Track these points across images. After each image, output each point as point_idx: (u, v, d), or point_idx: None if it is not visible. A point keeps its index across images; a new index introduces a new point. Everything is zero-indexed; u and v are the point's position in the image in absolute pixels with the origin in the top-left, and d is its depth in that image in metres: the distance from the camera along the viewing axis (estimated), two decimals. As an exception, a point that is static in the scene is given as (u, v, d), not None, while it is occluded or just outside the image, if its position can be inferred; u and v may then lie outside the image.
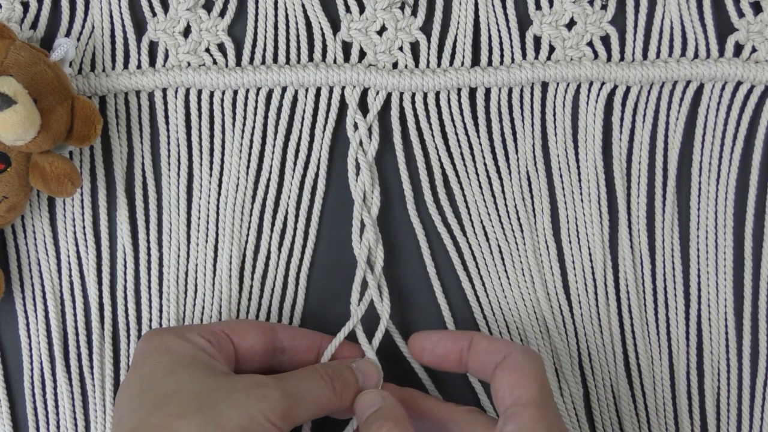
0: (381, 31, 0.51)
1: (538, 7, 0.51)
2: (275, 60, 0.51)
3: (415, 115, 0.51)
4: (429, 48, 0.51)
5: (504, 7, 0.51)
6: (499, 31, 0.51)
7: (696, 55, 0.52)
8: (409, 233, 0.52)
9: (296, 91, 0.51)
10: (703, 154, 0.52)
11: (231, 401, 0.40)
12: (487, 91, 0.51)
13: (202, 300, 0.51)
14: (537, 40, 0.51)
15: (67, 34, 0.51)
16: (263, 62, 0.51)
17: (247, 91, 0.51)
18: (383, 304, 0.50)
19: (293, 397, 0.42)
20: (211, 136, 0.51)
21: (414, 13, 0.51)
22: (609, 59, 0.51)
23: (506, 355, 0.44)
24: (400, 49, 0.51)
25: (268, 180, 0.51)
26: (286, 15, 0.51)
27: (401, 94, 0.51)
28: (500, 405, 0.44)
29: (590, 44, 0.51)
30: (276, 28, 0.51)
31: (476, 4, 0.51)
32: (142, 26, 0.51)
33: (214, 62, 0.51)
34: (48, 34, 0.51)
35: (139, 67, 0.51)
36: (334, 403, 0.44)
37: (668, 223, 0.52)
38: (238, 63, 0.51)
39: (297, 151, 0.51)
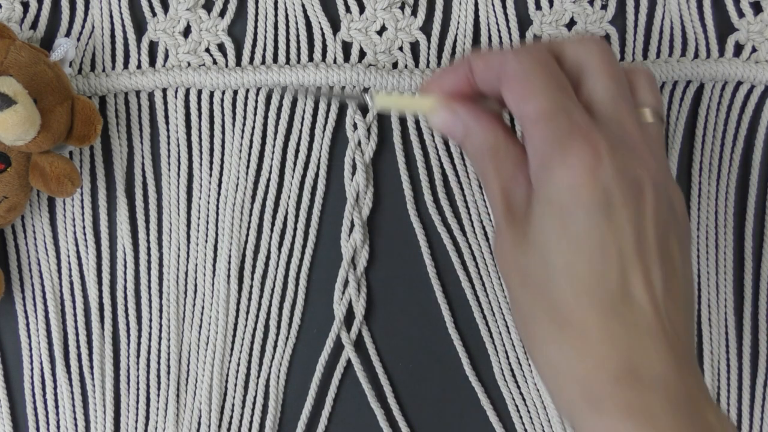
0: (381, 31, 0.51)
1: (538, 7, 0.51)
2: (275, 60, 0.51)
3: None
4: (429, 48, 0.51)
5: (504, 7, 0.51)
6: (499, 31, 0.51)
7: (696, 55, 0.52)
8: (409, 233, 0.52)
9: (296, 91, 0.51)
10: (703, 154, 0.52)
11: None
12: (487, 91, 0.51)
13: (202, 300, 0.51)
14: (537, 40, 0.51)
15: (67, 34, 0.51)
16: (263, 62, 0.51)
17: (247, 91, 0.51)
18: (359, 304, 0.51)
19: None
20: (211, 136, 0.51)
21: (414, 13, 0.51)
22: (609, 59, 0.51)
23: (502, 67, 0.39)
24: (400, 49, 0.51)
25: (268, 180, 0.51)
26: (286, 15, 0.51)
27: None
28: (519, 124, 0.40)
29: (590, 44, 0.51)
30: (276, 28, 0.51)
31: (476, 4, 0.51)
32: (142, 26, 0.51)
33: (214, 62, 0.51)
34: (48, 34, 0.51)
35: (139, 67, 0.51)
36: None
37: (668, 223, 0.52)
38: (238, 63, 0.51)
39: (297, 151, 0.51)
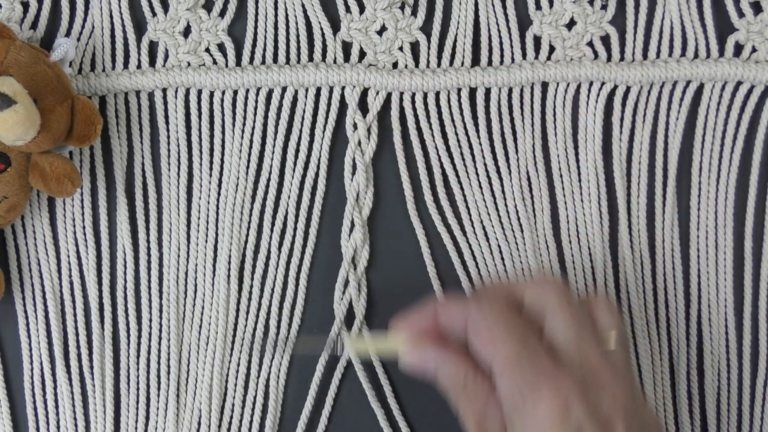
0: (381, 31, 0.51)
1: (538, 7, 0.51)
2: (275, 60, 0.51)
3: (415, 115, 0.51)
4: (429, 48, 0.51)
5: (504, 7, 0.51)
6: (499, 31, 0.51)
7: (696, 55, 0.52)
8: (409, 233, 0.52)
9: (296, 91, 0.51)
10: (703, 154, 0.52)
11: None
12: (487, 91, 0.51)
13: (202, 300, 0.51)
14: (537, 40, 0.51)
15: (67, 34, 0.51)
16: (263, 62, 0.51)
17: (247, 91, 0.51)
18: (359, 304, 0.51)
19: None
20: (211, 136, 0.51)
21: (414, 13, 0.51)
22: (609, 59, 0.51)
23: (466, 317, 0.41)
24: (400, 49, 0.51)
25: (268, 180, 0.51)
26: (286, 15, 0.51)
27: (401, 94, 0.51)
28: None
29: (590, 44, 0.51)
30: (276, 28, 0.51)
31: (476, 4, 0.51)
32: (142, 26, 0.51)
33: (214, 62, 0.51)
34: (48, 34, 0.51)
35: (139, 67, 0.51)
36: None
37: (668, 223, 0.52)
38: (238, 63, 0.51)
39: (297, 151, 0.51)
